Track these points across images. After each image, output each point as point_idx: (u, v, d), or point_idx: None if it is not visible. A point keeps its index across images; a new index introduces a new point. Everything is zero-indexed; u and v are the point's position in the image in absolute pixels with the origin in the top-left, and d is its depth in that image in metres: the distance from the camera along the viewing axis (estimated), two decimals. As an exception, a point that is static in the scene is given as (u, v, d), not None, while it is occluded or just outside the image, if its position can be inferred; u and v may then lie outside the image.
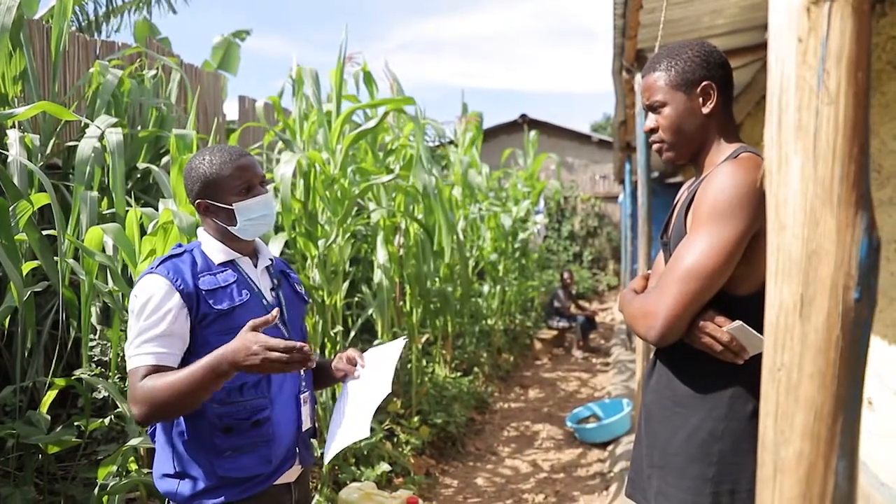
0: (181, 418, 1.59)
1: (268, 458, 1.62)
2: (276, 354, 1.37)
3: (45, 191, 2.69)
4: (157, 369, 1.50)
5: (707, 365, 1.40)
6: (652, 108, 1.55)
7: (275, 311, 1.44)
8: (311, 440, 1.82)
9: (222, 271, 1.64)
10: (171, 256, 1.63)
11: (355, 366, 1.80)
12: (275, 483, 1.66)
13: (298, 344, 1.39)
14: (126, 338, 2.72)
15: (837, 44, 0.61)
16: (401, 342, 1.84)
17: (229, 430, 1.58)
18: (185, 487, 1.59)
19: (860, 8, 0.59)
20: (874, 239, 0.63)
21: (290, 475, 1.72)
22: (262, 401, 1.62)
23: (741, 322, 1.31)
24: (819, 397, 0.64)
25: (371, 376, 1.76)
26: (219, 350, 1.43)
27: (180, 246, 1.70)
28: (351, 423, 1.68)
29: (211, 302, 1.57)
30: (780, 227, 0.66)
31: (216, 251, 1.67)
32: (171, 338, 1.53)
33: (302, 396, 1.73)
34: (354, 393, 1.76)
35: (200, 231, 1.73)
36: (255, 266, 1.74)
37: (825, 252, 0.63)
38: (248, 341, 1.39)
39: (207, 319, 1.56)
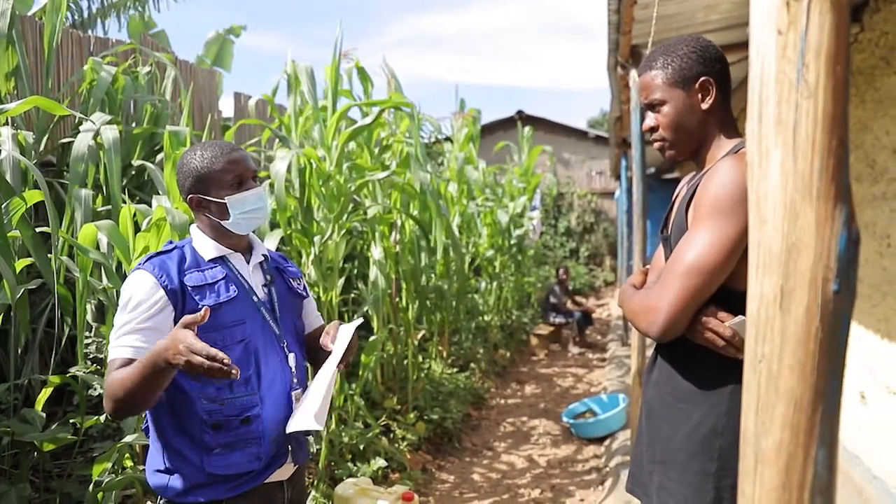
0: (171, 414, 1.59)
1: (258, 455, 1.62)
2: (197, 359, 1.32)
3: (39, 188, 2.68)
4: (130, 362, 1.49)
5: (708, 360, 1.40)
6: (651, 106, 1.54)
7: (204, 311, 1.39)
8: (307, 437, 1.79)
9: (211, 268, 1.64)
10: (159, 253, 1.63)
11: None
12: (266, 481, 1.66)
13: (220, 354, 1.33)
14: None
15: (816, 38, 0.61)
16: (355, 322, 1.77)
17: (218, 426, 1.57)
18: (175, 483, 1.59)
19: (839, 3, 0.60)
20: (853, 232, 0.64)
21: (283, 473, 1.71)
22: (252, 398, 1.61)
23: (743, 317, 1.31)
24: (799, 388, 0.65)
25: (335, 356, 1.69)
26: (157, 345, 1.41)
27: (171, 243, 1.70)
28: (308, 408, 1.61)
29: (197, 298, 1.58)
30: (760, 221, 0.67)
31: (207, 247, 1.67)
32: (152, 332, 1.53)
33: (294, 394, 1.71)
34: (322, 373, 1.68)
35: (193, 228, 1.72)
36: (248, 262, 1.74)
37: (805, 245, 0.64)
38: (176, 340, 1.36)
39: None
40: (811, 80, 0.61)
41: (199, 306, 1.55)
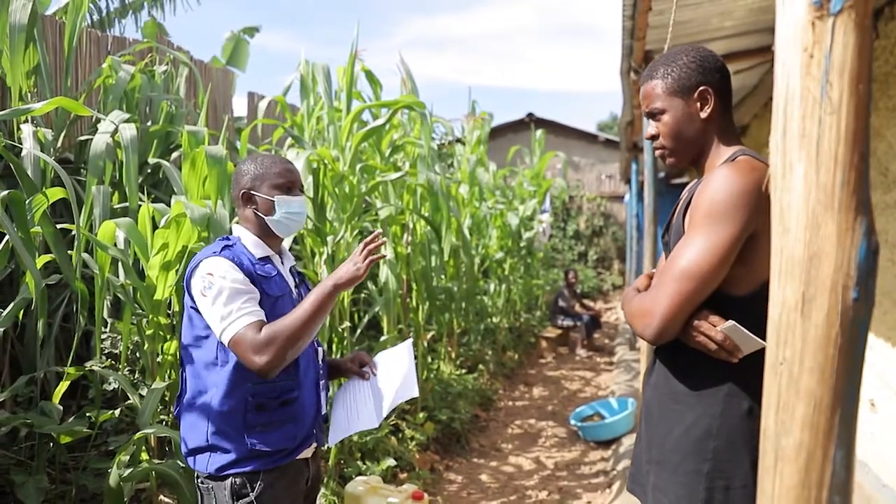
0: (219, 395, 1.72)
1: (293, 434, 1.78)
2: (367, 261, 1.73)
3: (57, 185, 2.72)
4: (263, 323, 1.67)
5: (703, 363, 1.43)
6: (652, 115, 1.58)
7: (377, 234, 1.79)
8: (325, 423, 1.99)
9: (265, 264, 1.81)
10: (226, 247, 1.77)
11: (362, 367, 2.01)
12: (297, 458, 1.82)
13: (372, 236, 1.76)
14: (135, 329, 2.76)
15: (840, 57, 0.64)
16: (408, 342, 2.04)
17: (261, 407, 1.73)
18: (216, 459, 1.73)
19: (862, 23, 0.62)
20: (873, 242, 0.66)
21: (308, 451, 1.88)
22: (291, 383, 1.78)
23: (734, 322, 1.34)
24: (819, 390, 0.67)
25: (386, 376, 1.95)
26: (331, 275, 1.74)
27: (228, 238, 1.83)
28: (360, 414, 1.89)
29: (266, 288, 1.75)
30: (783, 230, 0.70)
31: (255, 246, 1.82)
32: (257, 300, 1.70)
33: (321, 383, 1.90)
34: (363, 390, 1.95)
35: (237, 227, 1.88)
36: (283, 264, 1.91)
37: (826, 254, 0.67)
38: (348, 265, 1.75)
39: (262, 303, 1.72)
40: (835, 98, 0.64)
41: (267, 295, 1.74)
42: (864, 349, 0.68)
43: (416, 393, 1.89)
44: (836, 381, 0.66)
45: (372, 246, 1.75)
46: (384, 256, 1.73)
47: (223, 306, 1.65)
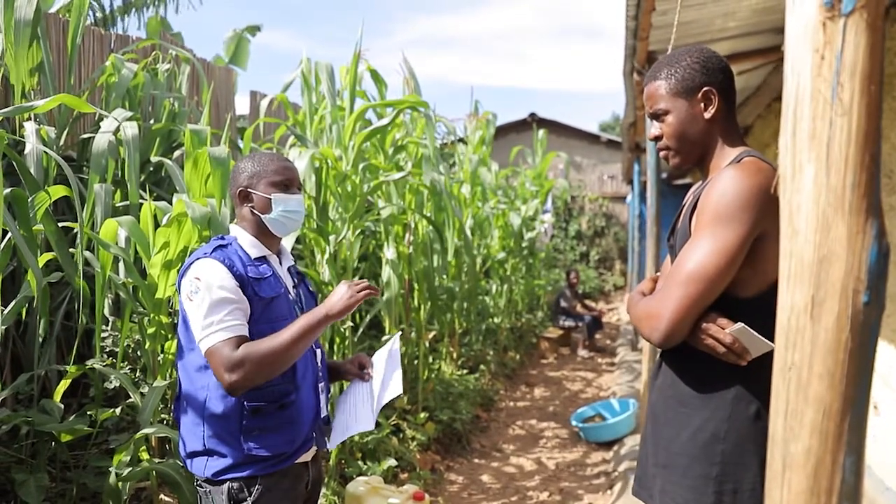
0: (215, 399, 1.70)
1: (291, 438, 1.75)
2: (360, 295, 1.69)
3: (59, 183, 2.72)
4: (243, 339, 1.64)
5: (710, 366, 1.42)
6: (655, 115, 1.58)
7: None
8: (327, 426, 1.96)
9: (260, 265, 1.78)
10: (219, 246, 1.74)
11: (363, 369, 1.98)
12: (296, 462, 1.80)
13: (364, 282, 1.74)
14: (135, 327, 2.76)
15: (852, 58, 0.63)
16: (395, 338, 2.02)
17: (258, 411, 1.71)
18: (213, 463, 1.71)
19: (874, 24, 0.62)
20: (884, 245, 0.66)
21: (308, 455, 1.86)
22: (288, 386, 1.75)
23: (743, 324, 1.33)
24: (828, 396, 0.67)
25: (378, 376, 1.94)
26: (323, 305, 1.69)
27: (223, 238, 1.81)
28: (359, 416, 1.87)
29: (257, 289, 1.71)
30: (793, 232, 0.69)
31: (251, 246, 1.80)
32: (243, 312, 1.67)
33: (320, 385, 1.87)
34: (362, 391, 1.94)
35: (234, 227, 1.85)
36: (280, 264, 1.89)
37: (836, 257, 0.66)
38: (341, 293, 1.70)
39: (253, 306, 1.70)
40: (846, 99, 0.63)
41: (259, 297, 1.71)
42: (874, 354, 0.67)
43: (399, 391, 1.86)
44: (846, 387, 0.66)
45: (371, 290, 1.74)
46: (377, 294, 1.72)
47: (205, 316, 1.63)
